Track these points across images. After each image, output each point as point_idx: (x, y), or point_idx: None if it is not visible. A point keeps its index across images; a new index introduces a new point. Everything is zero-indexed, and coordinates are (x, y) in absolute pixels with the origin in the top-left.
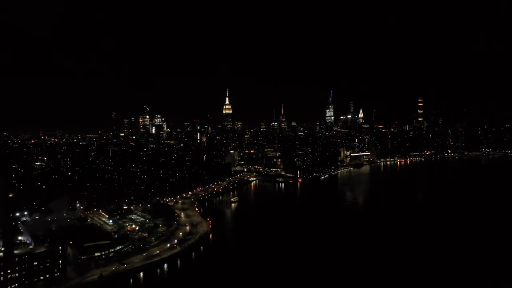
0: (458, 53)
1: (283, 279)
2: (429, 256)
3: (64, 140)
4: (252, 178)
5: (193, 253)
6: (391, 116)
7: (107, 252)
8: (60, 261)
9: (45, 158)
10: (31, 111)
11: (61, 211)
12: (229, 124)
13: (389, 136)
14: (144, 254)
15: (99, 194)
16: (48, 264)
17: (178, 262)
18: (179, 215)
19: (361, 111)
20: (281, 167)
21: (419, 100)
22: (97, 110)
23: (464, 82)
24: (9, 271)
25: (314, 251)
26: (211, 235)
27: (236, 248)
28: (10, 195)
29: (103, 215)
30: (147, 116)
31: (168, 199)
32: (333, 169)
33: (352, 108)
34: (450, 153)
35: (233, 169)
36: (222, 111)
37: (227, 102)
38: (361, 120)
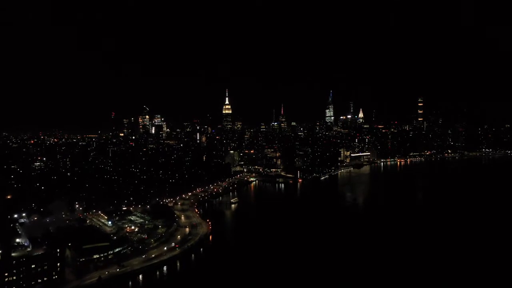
0: (458, 53)
1: (283, 281)
2: (429, 256)
3: (63, 140)
4: (252, 179)
5: (192, 255)
6: (391, 116)
7: (106, 254)
8: (58, 264)
9: (44, 159)
10: (31, 111)
11: (60, 212)
12: (229, 124)
13: (389, 136)
14: (143, 256)
15: (98, 195)
16: (46, 267)
17: (178, 264)
18: (178, 216)
19: (361, 111)
20: (281, 167)
21: (419, 100)
22: (97, 110)
23: (464, 82)
24: (6, 274)
25: (315, 252)
26: (211, 237)
27: (236, 250)
28: (8, 197)
29: (102, 216)
30: (147, 116)
31: (167, 200)
32: (333, 169)
33: (352, 108)
34: (450, 153)
35: (233, 169)
36: (222, 111)
37: (227, 102)
38: (361, 120)
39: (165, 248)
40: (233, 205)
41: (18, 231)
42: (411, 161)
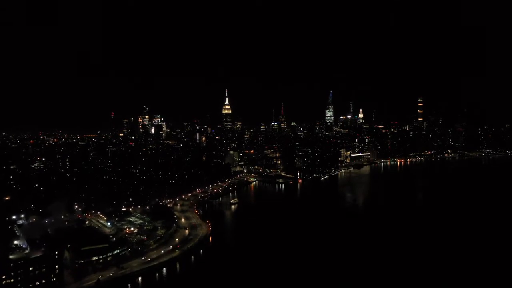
0: (458, 53)
1: (284, 282)
2: (429, 256)
3: (63, 140)
4: (252, 179)
5: (192, 256)
6: (391, 116)
7: (105, 256)
8: (57, 266)
9: (44, 159)
10: (31, 111)
11: (59, 213)
12: (229, 124)
13: (389, 137)
14: (143, 258)
15: (97, 196)
16: (44, 269)
17: (177, 266)
18: (178, 217)
19: (361, 111)
20: (281, 167)
21: (419, 100)
22: (97, 110)
23: (464, 82)
24: (4, 277)
25: (315, 253)
26: (210, 238)
27: (236, 251)
28: (7, 198)
29: (101, 217)
30: (147, 116)
31: (167, 200)
32: (333, 169)
33: (352, 108)
34: (450, 153)
35: (233, 169)
36: (222, 111)
37: (226, 102)
38: (361, 120)
39: (165, 250)
40: (233, 206)
41: (16, 233)
42: (411, 161)
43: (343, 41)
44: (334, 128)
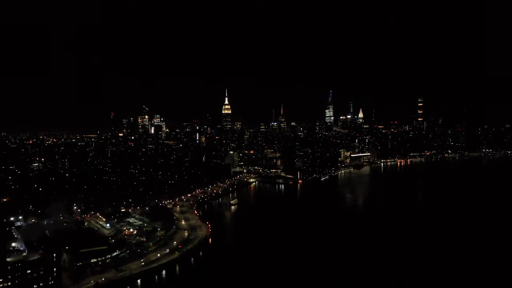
0: (458, 52)
1: (284, 284)
2: (429, 256)
3: (62, 140)
4: (251, 180)
5: (192, 258)
6: (391, 116)
7: (103, 258)
8: (55, 269)
9: (43, 159)
10: (31, 111)
11: (58, 214)
12: (229, 124)
13: (389, 137)
14: (142, 260)
15: (96, 197)
16: (42, 272)
17: (177, 268)
18: (178, 219)
19: (361, 111)
20: (281, 168)
21: (419, 100)
22: (97, 110)
23: (464, 82)
24: (1, 280)
25: (315, 254)
26: (210, 239)
27: (236, 253)
28: (5, 199)
29: (100, 218)
30: (146, 116)
31: (166, 201)
32: (333, 170)
33: (352, 108)
34: (450, 153)
35: (233, 170)
36: (222, 111)
37: (226, 102)
38: (361, 120)
39: (164, 252)
40: (233, 207)
41: (14, 235)
42: (411, 162)
43: (343, 41)
44: (334, 128)
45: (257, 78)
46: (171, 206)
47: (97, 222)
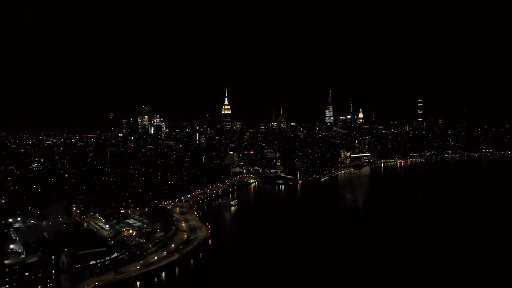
0: (458, 52)
1: (285, 285)
2: (429, 256)
3: (62, 140)
4: (251, 180)
5: (191, 260)
6: (391, 116)
7: (102, 260)
8: (53, 271)
9: (42, 160)
10: (31, 111)
11: (57, 215)
12: (228, 125)
13: (389, 137)
14: (141, 262)
15: (96, 197)
16: (40, 275)
17: (176, 270)
18: (177, 220)
19: (361, 111)
20: (281, 168)
21: (419, 100)
22: (96, 110)
23: (464, 82)
24: None
25: (315, 255)
26: (210, 241)
27: (236, 254)
28: (3, 201)
29: (99, 219)
30: (146, 116)
31: (166, 202)
32: (333, 170)
33: (351, 108)
34: (451, 153)
35: (233, 170)
36: (221, 111)
37: (226, 102)
38: (360, 120)
39: (164, 253)
40: (232, 208)
41: (12, 237)
42: (411, 162)
43: (343, 41)
44: (334, 129)
45: (257, 78)
46: (170, 207)
47: (96, 223)
